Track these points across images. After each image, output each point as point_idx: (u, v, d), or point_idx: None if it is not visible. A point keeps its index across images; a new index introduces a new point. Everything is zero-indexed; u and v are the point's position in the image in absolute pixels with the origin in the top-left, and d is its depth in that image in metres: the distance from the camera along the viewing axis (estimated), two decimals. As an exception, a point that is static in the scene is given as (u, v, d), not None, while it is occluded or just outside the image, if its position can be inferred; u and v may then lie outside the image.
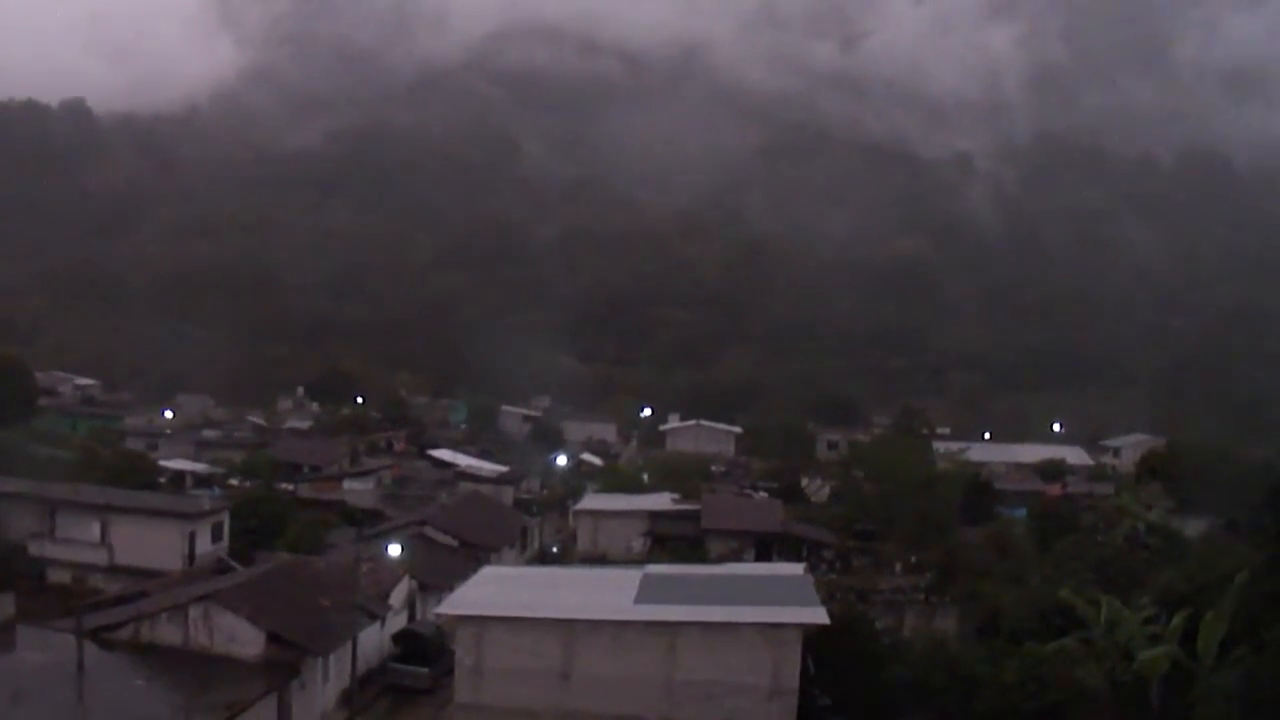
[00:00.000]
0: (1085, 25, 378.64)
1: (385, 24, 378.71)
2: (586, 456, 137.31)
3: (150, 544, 64.00)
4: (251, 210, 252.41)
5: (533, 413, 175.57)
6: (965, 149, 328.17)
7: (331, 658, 48.19)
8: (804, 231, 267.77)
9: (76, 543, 65.51)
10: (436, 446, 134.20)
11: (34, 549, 65.58)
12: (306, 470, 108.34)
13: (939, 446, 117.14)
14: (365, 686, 50.89)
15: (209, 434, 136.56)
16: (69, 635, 42.34)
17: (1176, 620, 39.58)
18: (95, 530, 65.56)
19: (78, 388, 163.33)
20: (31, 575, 63.42)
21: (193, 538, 65.45)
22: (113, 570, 63.96)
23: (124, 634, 45.29)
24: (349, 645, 48.16)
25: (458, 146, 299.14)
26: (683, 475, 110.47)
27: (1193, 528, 68.93)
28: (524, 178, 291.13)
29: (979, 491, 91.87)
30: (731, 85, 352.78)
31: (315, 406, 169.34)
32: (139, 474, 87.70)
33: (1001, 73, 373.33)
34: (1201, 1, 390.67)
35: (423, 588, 61.22)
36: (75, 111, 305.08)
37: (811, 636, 42.71)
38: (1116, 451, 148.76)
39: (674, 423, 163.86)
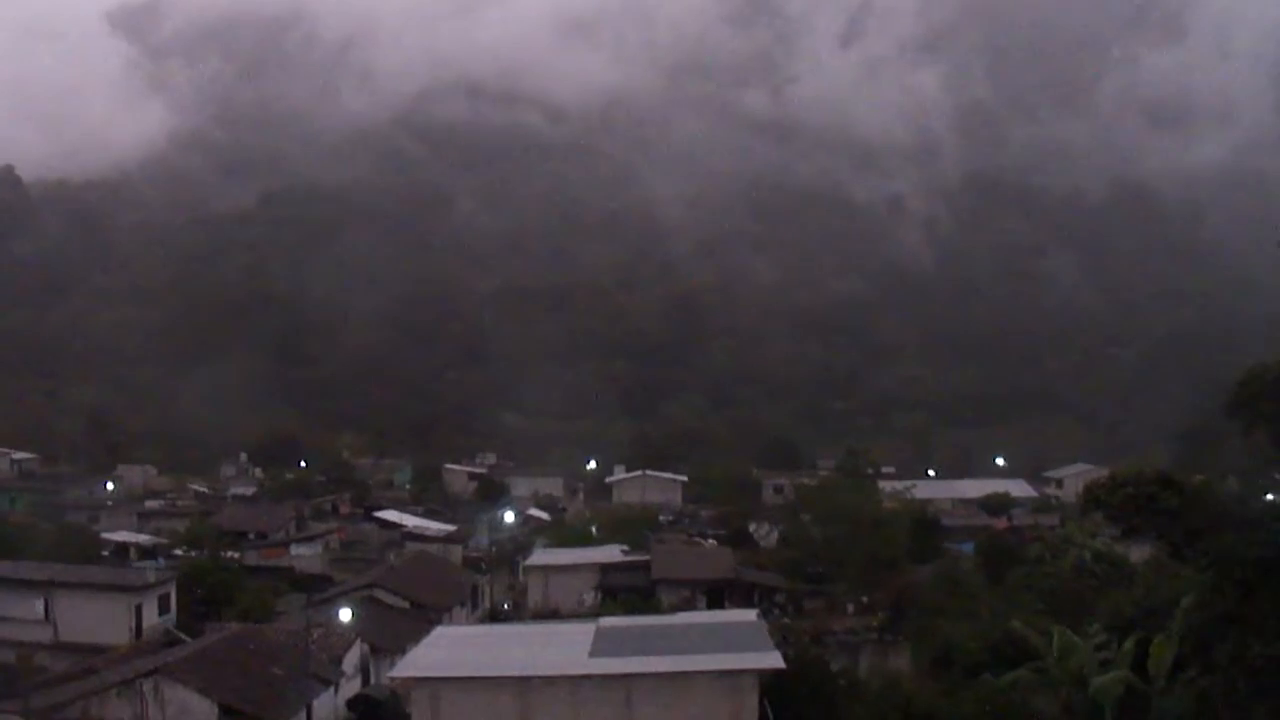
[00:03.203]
0: (1009, 64, 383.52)
1: (313, 84, 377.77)
2: (534, 511, 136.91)
3: (96, 619, 63.09)
4: (186, 275, 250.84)
5: (478, 470, 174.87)
6: (897, 190, 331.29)
7: (286, 726, 47.69)
8: (739, 278, 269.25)
9: (19, 620, 64.33)
10: (382, 508, 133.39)
11: (-26, 629, 64.50)
12: (252, 537, 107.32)
13: (884, 486, 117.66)
14: (321, 754, 50.42)
15: (152, 504, 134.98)
16: (16, 716, 41.67)
17: (1127, 645, 39.99)
18: (38, 607, 64.47)
19: (14, 462, 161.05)
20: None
21: (139, 611, 64.59)
22: (58, 647, 62.92)
23: (73, 712, 44.60)
24: (303, 713, 47.71)
25: (389, 205, 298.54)
26: (631, 526, 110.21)
27: (1137, 554, 69.66)
28: (457, 234, 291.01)
29: (926, 529, 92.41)
30: (659, 136, 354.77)
31: (258, 472, 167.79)
32: (81, 548, 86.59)
33: (929, 114, 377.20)
34: (1123, 37, 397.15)
35: (375, 651, 60.78)
36: (5, 180, 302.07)
37: (768, 681, 42.77)
38: (1059, 482, 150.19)
39: (620, 474, 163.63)
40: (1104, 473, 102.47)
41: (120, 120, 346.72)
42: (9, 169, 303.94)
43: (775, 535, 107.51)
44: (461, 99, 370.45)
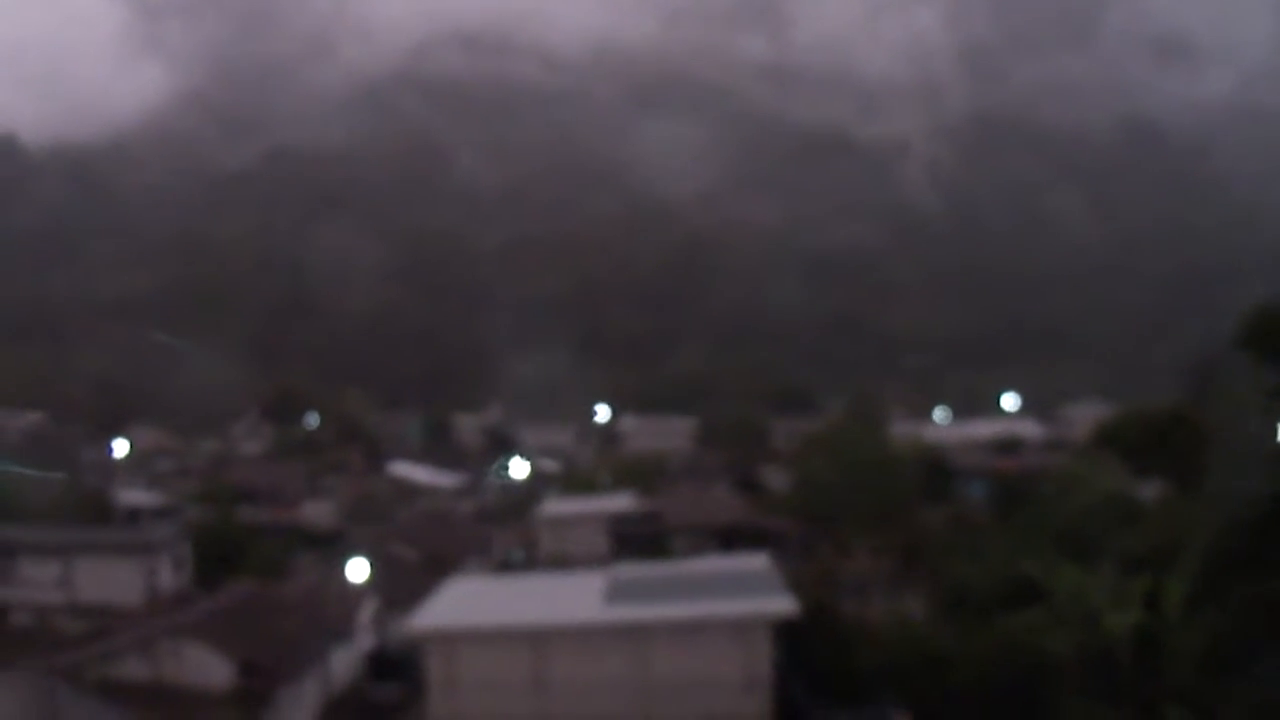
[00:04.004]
0: (1012, 1, 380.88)
1: (311, 40, 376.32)
2: (544, 461, 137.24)
3: (112, 580, 63.45)
4: (191, 235, 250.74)
5: (487, 421, 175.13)
6: (901, 131, 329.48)
7: (303, 682, 47.97)
8: (742, 224, 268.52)
9: (37, 584, 64.79)
10: (393, 462, 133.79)
11: (-7, 593, 64.95)
12: (265, 495, 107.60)
13: (895, 428, 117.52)
14: (339, 708, 50.70)
15: (163, 465, 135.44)
16: (37, 678, 41.90)
17: (1140, 584, 39.91)
18: (55, 570, 64.87)
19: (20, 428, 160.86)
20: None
21: (154, 571, 64.94)
22: (75, 609, 63.35)
23: (92, 673, 44.84)
24: (320, 668, 47.96)
25: (390, 159, 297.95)
26: (641, 474, 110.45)
27: (1148, 492, 69.52)
28: (458, 187, 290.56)
29: (936, 470, 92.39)
30: (660, 81, 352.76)
31: (268, 430, 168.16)
32: (94, 510, 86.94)
33: (932, 54, 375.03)
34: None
35: (390, 605, 61.00)
36: (7, 146, 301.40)
37: (781, 626, 42.87)
38: (1070, 422, 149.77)
39: (629, 421, 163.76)
40: (1114, 411, 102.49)
41: (119, 82, 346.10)
42: (10, 136, 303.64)
43: (786, 480, 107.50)
44: (458, 50, 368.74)
